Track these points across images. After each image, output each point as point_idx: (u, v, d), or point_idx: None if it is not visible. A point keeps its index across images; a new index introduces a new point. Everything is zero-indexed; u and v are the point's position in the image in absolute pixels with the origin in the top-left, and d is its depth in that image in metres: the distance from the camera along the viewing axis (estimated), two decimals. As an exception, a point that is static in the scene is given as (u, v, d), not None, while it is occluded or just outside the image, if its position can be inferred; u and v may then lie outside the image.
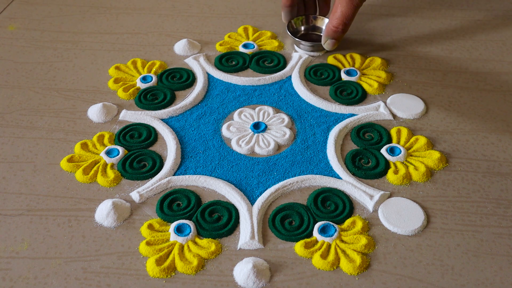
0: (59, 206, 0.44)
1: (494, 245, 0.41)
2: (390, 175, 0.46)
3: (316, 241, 0.41)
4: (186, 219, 0.42)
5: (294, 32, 0.60)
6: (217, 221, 0.42)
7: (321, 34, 0.60)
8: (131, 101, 0.54)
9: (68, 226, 0.42)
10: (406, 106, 0.53)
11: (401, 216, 0.43)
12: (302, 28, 0.61)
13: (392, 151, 0.48)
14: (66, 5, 0.70)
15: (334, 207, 0.43)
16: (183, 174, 0.46)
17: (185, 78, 0.57)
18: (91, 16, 0.68)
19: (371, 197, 0.44)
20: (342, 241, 0.41)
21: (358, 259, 0.39)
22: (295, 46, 0.60)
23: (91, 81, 0.57)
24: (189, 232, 0.41)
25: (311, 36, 0.61)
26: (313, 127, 0.51)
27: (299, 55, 0.60)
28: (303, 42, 0.58)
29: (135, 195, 0.44)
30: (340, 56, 0.60)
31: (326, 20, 0.60)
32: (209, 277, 0.39)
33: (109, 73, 0.58)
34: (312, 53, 0.59)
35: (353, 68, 0.58)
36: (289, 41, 0.62)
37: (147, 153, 0.48)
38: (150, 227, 0.42)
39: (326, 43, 0.55)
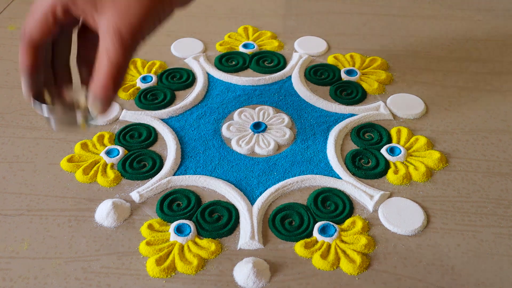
0: (59, 206, 0.44)
1: (494, 245, 0.41)
2: (390, 175, 0.46)
3: (316, 241, 0.41)
4: (186, 219, 0.42)
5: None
6: (217, 221, 0.42)
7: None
8: (131, 101, 0.54)
9: (68, 226, 0.42)
10: (406, 106, 0.53)
11: (401, 216, 0.43)
12: (59, 107, 0.38)
13: (392, 151, 0.48)
14: (66, 5, 0.70)
15: (334, 207, 0.43)
16: (183, 174, 0.46)
17: (185, 78, 0.57)
18: (91, 16, 0.68)
19: (371, 197, 0.44)
20: (342, 241, 0.41)
21: (358, 259, 0.39)
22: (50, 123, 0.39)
23: (91, 81, 0.57)
24: (189, 232, 0.41)
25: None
26: (313, 127, 0.51)
27: (299, 55, 0.60)
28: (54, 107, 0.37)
29: (135, 195, 0.44)
30: (340, 56, 0.60)
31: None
32: (209, 277, 0.39)
33: (109, 73, 0.58)
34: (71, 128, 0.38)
35: (353, 68, 0.58)
36: (290, 41, 0.62)
37: (147, 153, 0.48)
38: (150, 227, 0.42)
39: (95, 107, 0.36)
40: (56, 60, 0.39)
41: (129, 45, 0.34)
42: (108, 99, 0.35)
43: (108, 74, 0.34)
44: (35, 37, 0.35)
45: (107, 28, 0.34)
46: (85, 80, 0.39)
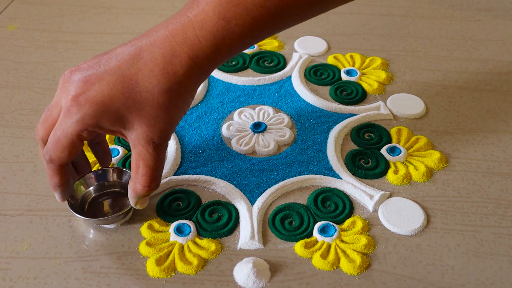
0: (59, 206, 0.43)
1: (494, 245, 0.41)
2: (390, 175, 0.46)
3: (316, 241, 0.41)
4: (186, 219, 0.42)
5: (81, 203, 0.43)
6: (217, 221, 0.42)
7: (117, 189, 0.44)
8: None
9: (68, 226, 0.42)
10: (406, 106, 0.53)
11: (401, 216, 0.43)
12: (91, 190, 0.44)
13: (392, 151, 0.48)
14: (66, 5, 0.70)
15: (334, 207, 0.43)
16: (183, 174, 0.46)
17: (185, 78, 0.57)
18: (91, 16, 0.68)
19: (371, 197, 0.44)
20: (342, 241, 0.41)
21: (358, 259, 0.39)
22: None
23: (91, 81, 0.57)
24: (189, 232, 0.41)
25: (107, 197, 0.44)
26: (313, 127, 0.51)
27: (299, 55, 0.60)
28: (111, 217, 0.41)
29: (135, 195, 0.44)
30: (340, 56, 0.60)
31: (119, 170, 0.44)
32: (209, 277, 0.39)
33: (109, 73, 0.58)
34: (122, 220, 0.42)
35: (353, 68, 0.58)
36: (290, 41, 0.62)
37: (147, 153, 0.48)
38: (150, 227, 0.42)
39: (138, 204, 0.39)
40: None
41: (162, 147, 0.37)
42: (149, 194, 0.39)
43: (148, 176, 0.37)
44: (64, 161, 0.37)
45: (139, 139, 0.36)
46: (102, 158, 0.44)
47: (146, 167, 0.37)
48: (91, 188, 0.43)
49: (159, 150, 0.37)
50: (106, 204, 0.43)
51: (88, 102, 0.35)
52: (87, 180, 0.43)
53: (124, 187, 0.43)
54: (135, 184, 0.38)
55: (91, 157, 0.46)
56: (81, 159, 0.43)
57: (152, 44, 0.35)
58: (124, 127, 0.36)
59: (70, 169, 0.40)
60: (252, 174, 0.46)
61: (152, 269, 0.39)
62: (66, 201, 0.41)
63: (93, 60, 0.36)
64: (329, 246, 0.40)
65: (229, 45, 0.35)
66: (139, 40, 0.36)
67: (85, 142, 0.41)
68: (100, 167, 0.45)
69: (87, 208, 0.43)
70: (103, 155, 0.44)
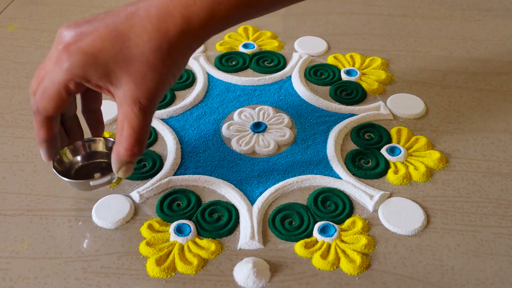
0: (59, 206, 0.44)
1: (494, 245, 0.41)
2: (390, 175, 0.46)
3: (316, 241, 0.41)
4: (186, 219, 0.42)
5: (68, 169, 0.41)
6: (217, 221, 0.42)
7: (105, 159, 0.42)
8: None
9: (68, 226, 0.42)
10: (406, 106, 0.53)
11: (401, 216, 0.43)
12: (79, 158, 0.42)
13: (392, 151, 0.48)
14: (66, 5, 0.70)
15: (334, 207, 0.43)
16: (183, 174, 0.46)
17: (185, 78, 0.57)
18: (91, 16, 0.68)
19: (371, 197, 0.44)
20: (342, 241, 0.41)
21: (358, 259, 0.39)
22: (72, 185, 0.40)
23: (91, 81, 0.57)
24: (189, 232, 0.41)
25: (95, 166, 0.42)
26: (313, 127, 0.51)
27: (299, 55, 0.60)
28: (90, 181, 0.39)
29: (135, 195, 0.44)
30: (340, 56, 0.60)
31: (110, 141, 0.42)
32: (209, 277, 0.39)
33: (109, 73, 0.58)
34: (101, 188, 0.41)
35: (353, 68, 0.58)
36: (290, 42, 0.62)
37: (147, 153, 0.48)
38: (150, 227, 0.42)
39: (121, 170, 0.38)
40: (65, 118, 0.41)
41: (148, 110, 0.35)
42: (133, 161, 0.37)
43: (132, 139, 0.35)
44: (50, 112, 0.36)
45: (125, 98, 0.35)
46: (94, 128, 0.42)
47: (130, 129, 0.35)
48: (79, 156, 0.42)
49: (145, 112, 0.35)
50: (93, 173, 0.41)
51: (78, 51, 0.34)
52: (76, 148, 0.42)
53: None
54: (118, 147, 0.36)
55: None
56: (73, 123, 0.42)
57: (149, 4, 0.35)
58: (111, 82, 0.35)
59: (57, 127, 0.39)
60: (252, 174, 0.46)
61: (152, 269, 0.39)
62: (51, 163, 0.39)
63: (90, 17, 0.36)
64: (329, 246, 0.40)
65: (225, 11, 0.35)
66: (138, 1, 0.36)
67: (80, 114, 0.41)
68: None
69: (73, 175, 0.41)
70: (96, 124, 0.43)
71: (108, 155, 0.41)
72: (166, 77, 0.36)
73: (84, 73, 0.34)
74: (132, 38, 0.34)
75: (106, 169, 0.40)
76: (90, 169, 0.42)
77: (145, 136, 0.36)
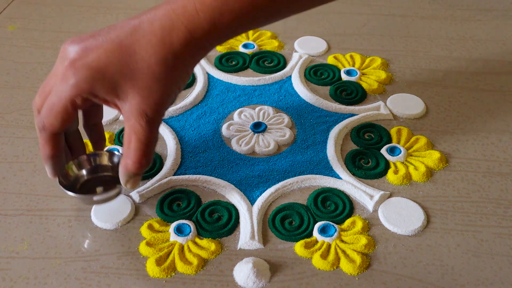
0: (59, 206, 0.44)
1: (494, 245, 0.41)
2: (390, 175, 0.46)
3: (316, 241, 0.41)
4: (186, 219, 0.42)
5: (73, 183, 0.41)
6: (217, 221, 0.42)
7: (109, 173, 0.42)
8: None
9: (68, 226, 0.42)
10: (406, 106, 0.53)
11: (401, 216, 0.43)
12: (84, 172, 0.42)
13: (392, 151, 0.48)
14: (66, 5, 0.70)
15: (334, 207, 0.43)
16: (183, 174, 0.46)
17: (185, 78, 0.57)
18: (91, 16, 0.68)
19: (371, 197, 0.44)
20: (342, 241, 0.41)
21: (358, 259, 0.39)
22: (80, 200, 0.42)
23: (91, 81, 0.57)
24: (189, 232, 0.41)
25: (100, 180, 0.42)
26: (313, 127, 0.51)
27: (299, 55, 0.60)
28: (97, 196, 0.40)
29: (135, 195, 0.44)
30: (340, 56, 0.60)
31: (114, 154, 0.42)
32: (209, 277, 0.39)
33: (109, 73, 0.58)
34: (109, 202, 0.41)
35: (353, 68, 0.58)
36: (290, 42, 0.62)
37: (147, 153, 0.48)
38: (150, 227, 0.42)
39: (129, 183, 0.38)
40: (68, 133, 0.41)
41: (155, 122, 0.36)
42: (141, 173, 0.37)
43: (140, 151, 0.36)
44: (56, 129, 0.37)
45: (132, 111, 0.35)
46: (96, 142, 0.43)
47: (137, 141, 0.36)
48: (84, 170, 0.42)
49: (152, 124, 0.36)
50: (98, 187, 0.42)
51: (84, 67, 0.34)
52: (81, 162, 0.42)
53: (117, 171, 0.40)
54: (126, 159, 0.36)
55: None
56: (76, 139, 0.42)
57: (152, 17, 0.35)
58: (118, 97, 0.35)
59: (63, 143, 0.39)
60: (252, 174, 0.46)
61: (152, 269, 0.39)
62: (56, 179, 0.39)
63: (94, 32, 0.37)
64: (329, 246, 0.40)
65: (227, 22, 0.35)
66: (140, 15, 0.36)
67: (81, 127, 0.41)
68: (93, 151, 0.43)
69: (78, 189, 0.41)
70: (98, 138, 0.43)
71: (112, 168, 0.42)
72: (171, 88, 0.36)
73: (91, 88, 0.35)
74: (137, 51, 0.34)
75: (111, 182, 0.40)
76: (96, 183, 0.42)
77: (152, 148, 0.37)
